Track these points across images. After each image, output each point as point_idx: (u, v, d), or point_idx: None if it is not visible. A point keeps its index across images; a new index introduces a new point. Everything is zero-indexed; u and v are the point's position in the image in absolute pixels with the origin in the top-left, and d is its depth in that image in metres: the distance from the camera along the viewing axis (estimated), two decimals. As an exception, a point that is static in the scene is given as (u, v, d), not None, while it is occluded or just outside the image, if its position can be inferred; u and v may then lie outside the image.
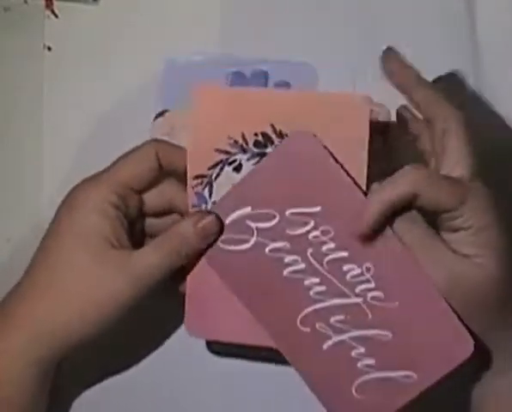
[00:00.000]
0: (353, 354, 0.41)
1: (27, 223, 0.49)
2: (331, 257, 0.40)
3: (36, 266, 0.41)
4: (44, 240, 0.42)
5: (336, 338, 0.41)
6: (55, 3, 0.50)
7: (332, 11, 0.51)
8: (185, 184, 0.42)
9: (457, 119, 0.40)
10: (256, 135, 0.41)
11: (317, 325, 0.41)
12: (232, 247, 0.41)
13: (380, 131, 0.45)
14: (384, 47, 0.44)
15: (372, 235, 0.39)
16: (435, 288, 0.38)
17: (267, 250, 0.41)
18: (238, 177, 0.42)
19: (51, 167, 0.49)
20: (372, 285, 0.40)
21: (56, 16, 0.50)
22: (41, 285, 0.41)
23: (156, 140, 0.44)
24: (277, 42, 0.50)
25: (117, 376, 0.48)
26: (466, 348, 0.39)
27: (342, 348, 0.41)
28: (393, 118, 0.49)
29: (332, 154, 0.40)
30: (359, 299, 0.40)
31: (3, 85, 0.50)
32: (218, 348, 0.48)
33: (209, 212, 0.41)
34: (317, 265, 0.41)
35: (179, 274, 0.42)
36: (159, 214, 0.44)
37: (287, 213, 0.41)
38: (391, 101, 0.49)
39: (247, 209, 0.41)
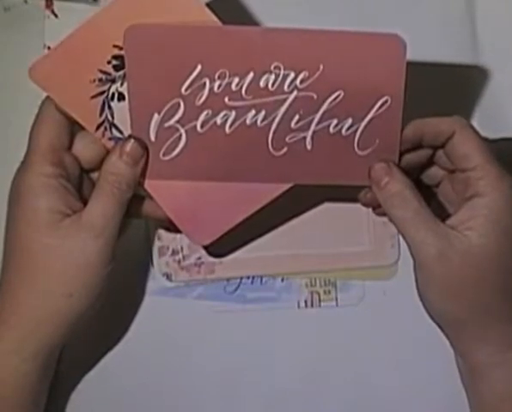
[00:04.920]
0: (331, 130, 0.42)
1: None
2: (244, 87, 0.42)
3: (8, 267, 0.42)
4: (7, 242, 0.42)
5: (309, 132, 0.42)
6: (55, 3, 0.50)
7: (332, 11, 0.51)
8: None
9: (459, 122, 0.40)
10: (109, 62, 0.41)
11: (287, 140, 0.42)
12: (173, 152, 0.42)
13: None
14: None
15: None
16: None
17: (200, 128, 0.42)
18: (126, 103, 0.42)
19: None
20: (292, 74, 0.41)
21: (56, 16, 0.50)
22: (18, 282, 0.41)
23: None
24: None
25: (115, 373, 0.48)
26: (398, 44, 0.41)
27: (321, 134, 0.42)
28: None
29: None
30: (294, 93, 0.41)
31: (2, 85, 0.50)
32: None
33: (127, 138, 0.41)
34: (240, 103, 0.42)
35: (151, 206, 0.43)
36: (100, 162, 0.43)
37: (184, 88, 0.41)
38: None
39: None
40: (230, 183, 0.43)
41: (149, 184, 0.43)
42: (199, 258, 0.49)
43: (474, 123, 0.49)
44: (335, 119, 0.42)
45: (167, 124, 0.42)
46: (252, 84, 0.41)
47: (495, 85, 0.50)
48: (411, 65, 0.50)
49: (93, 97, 0.41)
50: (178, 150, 0.42)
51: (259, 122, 0.42)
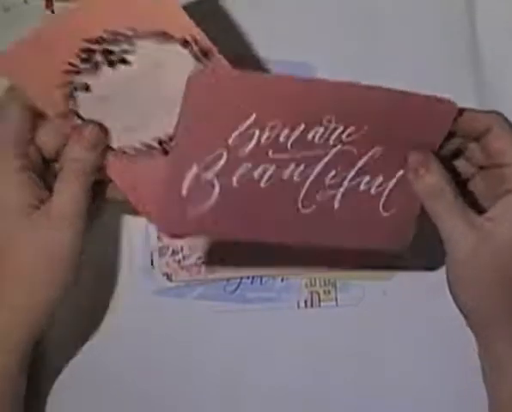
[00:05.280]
0: (362, 187, 0.42)
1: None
2: (291, 139, 0.41)
3: None
4: None
5: (341, 190, 0.42)
6: (55, 3, 0.50)
7: (332, 11, 0.51)
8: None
9: (496, 117, 0.41)
10: (77, 54, 0.41)
11: (318, 197, 0.42)
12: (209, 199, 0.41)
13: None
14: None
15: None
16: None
17: (236, 183, 0.41)
18: (93, 94, 0.41)
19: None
20: (341, 128, 0.40)
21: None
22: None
23: (13, 87, 0.42)
24: (277, 42, 0.50)
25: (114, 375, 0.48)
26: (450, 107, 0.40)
27: (351, 193, 0.42)
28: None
29: None
30: (338, 147, 0.41)
31: (2, 85, 0.50)
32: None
33: (85, 123, 0.41)
34: (283, 155, 0.41)
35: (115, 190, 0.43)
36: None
37: (232, 139, 0.40)
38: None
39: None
40: None
41: (109, 169, 0.43)
42: (199, 258, 0.49)
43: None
44: (367, 176, 0.42)
45: (203, 177, 0.40)
46: (300, 137, 0.41)
47: (495, 85, 0.50)
48: (412, 65, 0.50)
49: (59, 87, 0.41)
50: (208, 205, 0.41)
51: (295, 176, 0.41)
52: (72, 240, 0.41)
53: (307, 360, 0.48)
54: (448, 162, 0.43)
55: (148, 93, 0.42)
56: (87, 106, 0.42)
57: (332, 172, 0.42)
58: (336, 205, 0.42)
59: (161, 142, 0.42)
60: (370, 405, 0.48)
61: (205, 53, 0.41)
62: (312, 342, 0.48)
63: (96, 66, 0.41)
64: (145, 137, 0.42)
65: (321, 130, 0.41)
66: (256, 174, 0.41)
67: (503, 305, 0.40)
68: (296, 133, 0.41)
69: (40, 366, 0.48)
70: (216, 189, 0.41)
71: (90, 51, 0.41)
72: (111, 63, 0.41)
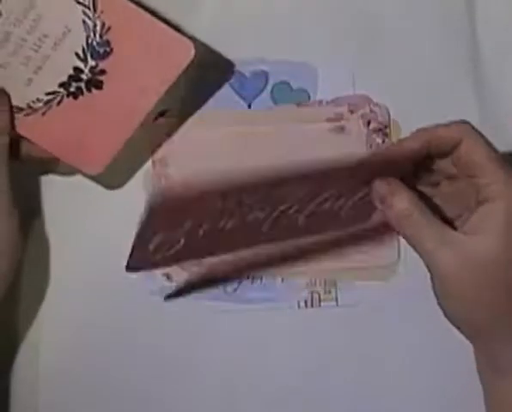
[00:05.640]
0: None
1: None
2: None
3: None
4: None
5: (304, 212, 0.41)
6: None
7: (332, 11, 0.51)
8: None
9: (466, 128, 0.40)
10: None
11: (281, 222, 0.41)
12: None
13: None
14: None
15: None
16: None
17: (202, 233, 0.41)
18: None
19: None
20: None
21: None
22: None
23: None
24: (277, 42, 0.50)
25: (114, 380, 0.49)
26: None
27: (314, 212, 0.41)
28: (392, 117, 0.49)
29: None
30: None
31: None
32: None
33: None
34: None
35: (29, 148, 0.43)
36: None
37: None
38: (391, 101, 0.49)
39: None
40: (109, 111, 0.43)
41: (22, 128, 0.43)
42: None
43: (474, 123, 0.49)
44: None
45: (170, 238, 0.40)
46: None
47: (495, 85, 0.50)
48: (412, 65, 0.50)
49: None
50: (173, 251, 0.41)
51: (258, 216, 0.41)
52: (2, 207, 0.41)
53: (307, 360, 0.48)
54: (411, 177, 0.42)
55: (32, 40, 0.42)
56: None
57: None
58: (300, 222, 0.42)
59: (63, 86, 0.42)
60: (370, 405, 0.48)
61: None
62: (312, 342, 0.48)
63: None
64: (48, 86, 0.42)
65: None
66: (221, 224, 0.41)
67: (491, 314, 0.39)
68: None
69: (40, 366, 0.48)
70: (182, 241, 0.41)
71: None
72: None
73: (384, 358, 0.48)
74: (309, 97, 0.50)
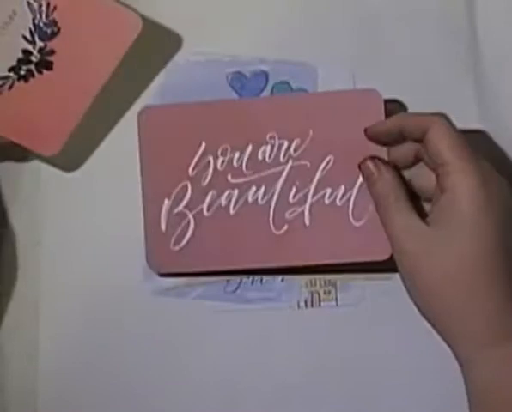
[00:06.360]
0: (327, 201, 0.44)
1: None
2: (244, 162, 0.43)
3: None
4: None
5: (306, 205, 0.44)
6: None
7: (332, 11, 0.51)
8: None
9: (434, 118, 0.41)
10: None
11: (287, 216, 0.44)
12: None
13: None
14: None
15: None
16: None
17: (206, 212, 0.44)
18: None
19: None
20: (286, 143, 0.43)
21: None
22: None
23: None
24: (277, 42, 0.50)
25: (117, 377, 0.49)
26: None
27: (318, 208, 0.44)
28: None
29: None
30: (289, 163, 0.44)
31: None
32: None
33: None
34: (242, 179, 0.44)
35: None
36: None
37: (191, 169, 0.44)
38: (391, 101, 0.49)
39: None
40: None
41: None
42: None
43: (474, 122, 0.49)
44: (329, 188, 0.44)
45: (176, 210, 0.44)
46: (251, 158, 0.44)
47: (495, 85, 0.50)
48: (412, 65, 0.50)
49: None
50: (187, 238, 0.45)
51: (259, 199, 0.44)
52: None
53: (307, 360, 0.48)
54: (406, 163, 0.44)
55: None
56: None
57: (293, 190, 0.44)
58: (307, 222, 0.45)
59: (13, 70, 0.42)
60: (370, 405, 0.48)
61: None
62: (312, 342, 0.48)
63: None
64: None
65: (268, 148, 0.44)
66: (223, 201, 0.44)
67: (446, 305, 0.40)
68: (247, 155, 0.44)
69: (39, 365, 0.48)
70: (191, 219, 0.44)
71: None
72: None
73: (384, 358, 0.48)
74: (309, 97, 0.50)
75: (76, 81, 0.43)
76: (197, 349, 0.48)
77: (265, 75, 0.50)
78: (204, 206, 0.44)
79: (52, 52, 0.42)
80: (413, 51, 0.50)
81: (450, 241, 0.39)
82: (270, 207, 0.44)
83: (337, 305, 0.49)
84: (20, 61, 0.42)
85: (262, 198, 0.44)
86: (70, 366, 0.48)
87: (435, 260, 0.39)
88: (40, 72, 0.42)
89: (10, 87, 0.43)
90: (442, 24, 0.50)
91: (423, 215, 0.42)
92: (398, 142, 0.43)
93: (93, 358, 0.48)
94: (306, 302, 0.49)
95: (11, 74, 0.42)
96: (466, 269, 0.39)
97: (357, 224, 0.45)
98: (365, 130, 0.44)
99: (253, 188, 0.44)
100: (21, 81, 0.43)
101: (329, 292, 0.49)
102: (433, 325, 0.41)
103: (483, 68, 0.50)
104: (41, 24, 0.41)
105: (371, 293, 0.48)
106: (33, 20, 0.42)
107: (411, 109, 0.49)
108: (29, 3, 0.41)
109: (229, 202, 0.44)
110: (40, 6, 0.42)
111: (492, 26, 0.50)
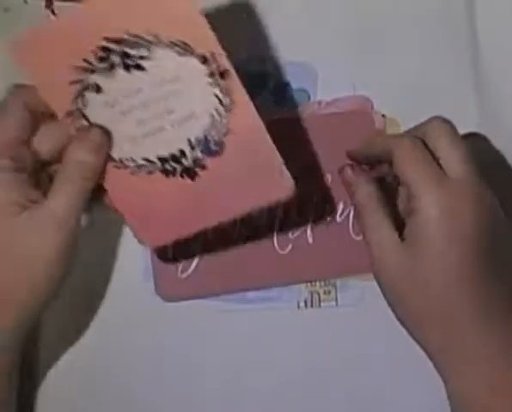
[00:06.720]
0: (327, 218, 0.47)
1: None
2: None
3: None
4: None
5: (308, 225, 0.47)
6: (55, 3, 0.50)
7: (332, 11, 0.51)
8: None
9: (396, 142, 0.41)
10: (94, 52, 0.40)
11: (290, 235, 0.47)
12: None
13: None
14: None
15: None
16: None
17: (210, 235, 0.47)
18: (103, 97, 0.41)
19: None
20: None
21: (55, 16, 0.50)
22: None
23: (19, 87, 0.42)
24: (277, 42, 0.50)
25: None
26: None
27: (319, 225, 0.47)
28: (392, 117, 0.49)
29: None
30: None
31: (3, 85, 0.50)
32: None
33: (90, 126, 0.41)
34: None
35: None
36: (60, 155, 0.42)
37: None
38: (391, 101, 0.49)
39: None
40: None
41: (106, 179, 0.42)
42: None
43: (474, 123, 0.49)
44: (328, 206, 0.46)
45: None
46: None
47: (495, 84, 0.50)
48: (412, 65, 0.50)
49: (69, 83, 0.40)
50: (194, 263, 0.46)
51: (264, 219, 0.47)
52: (61, 244, 0.40)
53: (307, 360, 0.48)
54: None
55: (157, 107, 0.41)
56: (94, 108, 0.41)
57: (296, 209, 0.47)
58: (310, 240, 0.46)
59: (162, 160, 0.41)
60: (370, 405, 0.48)
61: (222, 73, 0.40)
62: (312, 342, 0.48)
63: (111, 67, 0.40)
64: (148, 153, 0.41)
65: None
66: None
67: (414, 320, 0.41)
68: None
69: (39, 365, 0.48)
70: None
71: (108, 51, 0.40)
72: (126, 67, 0.40)
73: (384, 358, 0.48)
74: (309, 97, 0.50)
75: (206, 203, 0.42)
76: (197, 349, 0.48)
77: (265, 75, 0.50)
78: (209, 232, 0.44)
79: (203, 167, 0.41)
80: (413, 52, 0.50)
81: (420, 262, 0.39)
82: (273, 228, 0.47)
83: (337, 305, 0.49)
84: (172, 157, 0.41)
85: (265, 219, 0.47)
86: (70, 366, 0.48)
87: (406, 272, 0.40)
88: (182, 177, 0.41)
89: (150, 173, 0.42)
90: (442, 24, 0.50)
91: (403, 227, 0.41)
92: (382, 162, 0.44)
93: (93, 358, 0.48)
94: (306, 302, 0.49)
95: (157, 162, 0.41)
96: (436, 287, 0.39)
97: (358, 238, 0.47)
98: (347, 154, 0.46)
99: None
100: (162, 174, 0.42)
101: (329, 292, 0.49)
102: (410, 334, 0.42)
103: (483, 68, 0.50)
104: (210, 139, 0.40)
105: (371, 294, 0.48)
106: (206, 131, 0.41)
107: (410, 109, 0.49)
108: (212, 116, 0.40)
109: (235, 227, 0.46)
110: (220, 123, 0.40)
111: (492, 26, 0.50)
